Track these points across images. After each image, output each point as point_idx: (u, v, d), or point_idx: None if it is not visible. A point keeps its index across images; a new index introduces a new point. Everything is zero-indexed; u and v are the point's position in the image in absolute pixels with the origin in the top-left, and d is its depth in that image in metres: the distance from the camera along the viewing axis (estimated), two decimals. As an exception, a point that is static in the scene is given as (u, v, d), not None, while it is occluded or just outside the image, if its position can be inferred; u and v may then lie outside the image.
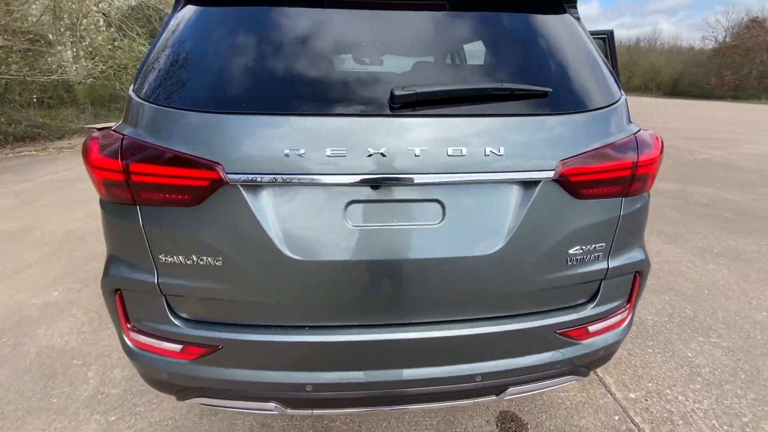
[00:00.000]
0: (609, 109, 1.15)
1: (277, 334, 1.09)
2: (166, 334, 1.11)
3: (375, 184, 1.02)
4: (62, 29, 10.95)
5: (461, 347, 1.14)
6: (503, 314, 1.18)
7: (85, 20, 11.49)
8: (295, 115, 1.01)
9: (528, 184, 1.09)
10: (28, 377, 1.89)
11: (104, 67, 11.07)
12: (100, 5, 12.51)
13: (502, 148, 1.05)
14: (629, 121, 1.19)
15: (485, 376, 1.16)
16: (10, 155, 7.09)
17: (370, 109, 1.04)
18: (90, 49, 11.57)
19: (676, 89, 47.90)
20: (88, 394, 1.79)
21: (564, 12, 1.25)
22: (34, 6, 10.45)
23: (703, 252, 3.35)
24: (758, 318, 2.39)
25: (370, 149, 1.01)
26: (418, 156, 1.02)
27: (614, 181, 1.13)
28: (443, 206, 1.08)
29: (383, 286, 1.09)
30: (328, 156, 1.00)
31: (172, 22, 1.13)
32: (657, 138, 1.19)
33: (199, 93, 1.03)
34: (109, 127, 1.08)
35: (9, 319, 2.33)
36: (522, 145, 1.07)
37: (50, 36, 10.59)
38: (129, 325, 1.16)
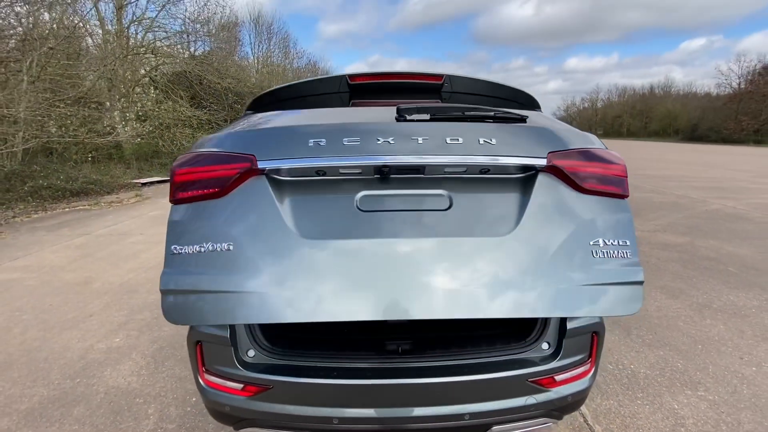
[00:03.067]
0: (583, 132, 1.47)
1: (312, 377, 1.41)
2: (231, 376, 1.48)
3: (384, 165, 1.28)
4: (117, 96, 12.47)
5: (453, 391, 1.44)
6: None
7: (138, 88, 13.09)
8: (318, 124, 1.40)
9: (527, 178, 1.32)
10: (100, 412, 2.27)
11: (151, 128, 12.39)
12: (149, 72, 14.21)
13: (494, 139, 1.32)
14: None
15: (472, 415, 1.45)
16: (67, 210, 7.93)
17: (378, 117, 1.44)
18: (140, 113, 13.01)
19: (695, 134, 48.01)
20: (150, 428, 2.15)
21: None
22: (91, 77, 12.00)
23: (703, 307, 3.53)
24: (746, 373, 2.57)
25: (379, 138, 1.31)
26: (420, 143, 1.30)
27: (610, 180, 1.33)
28: (450, 197, 1.32)
29: (394, 269, 1.24)
30: (344, 144, 1.30)
31: None
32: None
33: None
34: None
35: (80, 362, 2.75)
36: (511, 138, 1.34)
37: (107, 104, 12.04)
38: (204, 368, 1.54)
